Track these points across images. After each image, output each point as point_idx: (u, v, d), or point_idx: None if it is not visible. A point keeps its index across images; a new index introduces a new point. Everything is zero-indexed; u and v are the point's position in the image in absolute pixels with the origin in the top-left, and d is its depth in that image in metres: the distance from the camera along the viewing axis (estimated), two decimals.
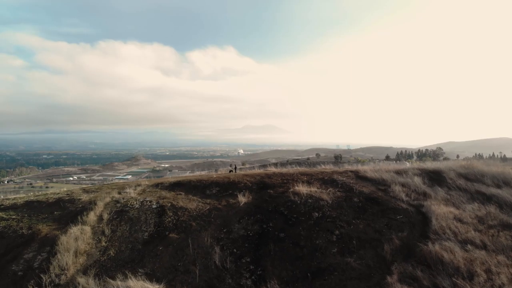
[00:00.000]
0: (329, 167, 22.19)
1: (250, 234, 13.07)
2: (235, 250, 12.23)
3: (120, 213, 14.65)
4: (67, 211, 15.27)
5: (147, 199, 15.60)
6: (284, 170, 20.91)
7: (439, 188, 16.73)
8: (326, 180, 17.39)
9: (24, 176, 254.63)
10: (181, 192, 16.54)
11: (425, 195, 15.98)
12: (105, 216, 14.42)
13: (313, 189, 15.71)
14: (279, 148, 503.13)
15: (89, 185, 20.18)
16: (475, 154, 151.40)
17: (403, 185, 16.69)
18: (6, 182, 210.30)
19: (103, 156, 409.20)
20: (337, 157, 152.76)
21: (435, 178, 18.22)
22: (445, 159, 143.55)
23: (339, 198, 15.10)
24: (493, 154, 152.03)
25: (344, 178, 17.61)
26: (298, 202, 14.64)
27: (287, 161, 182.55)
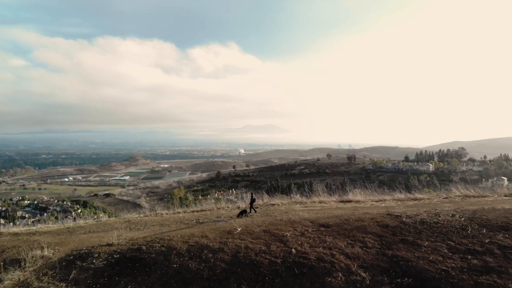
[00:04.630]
0: (481, 192, 10.36)
1: None
2: None
3: None
4: None
5: None
6: (429, 207, 9.03)
7: None
8: None
9: (18, 177, 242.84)
10: None
11: None
12: None
13: None
14: (280, 148, 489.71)
15: None
16: (500, 154, 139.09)
17: None
18: None
19: (103, 156, 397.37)
20: (350, 158, 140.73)
21: None
22: (471, 160, 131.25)
23: None
24: None
25: None
26: None
27: (296, 162, 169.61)
